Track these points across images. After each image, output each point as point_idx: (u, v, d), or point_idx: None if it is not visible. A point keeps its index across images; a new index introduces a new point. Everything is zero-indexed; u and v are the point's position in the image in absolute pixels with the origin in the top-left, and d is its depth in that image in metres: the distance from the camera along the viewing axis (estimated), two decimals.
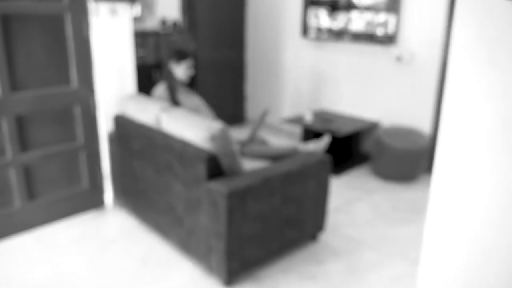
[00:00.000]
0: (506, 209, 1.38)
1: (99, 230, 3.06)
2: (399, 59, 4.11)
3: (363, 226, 3.18)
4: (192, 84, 3.19)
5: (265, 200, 2.43)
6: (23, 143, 2.88)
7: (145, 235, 2.99)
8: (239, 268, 2.43)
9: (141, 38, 4.28)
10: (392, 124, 4.30)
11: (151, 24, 4.71)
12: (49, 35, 2.87)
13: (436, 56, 3.88)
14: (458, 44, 1.39)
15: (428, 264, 1.62)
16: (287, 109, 5.27)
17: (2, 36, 2.65)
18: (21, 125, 2.85)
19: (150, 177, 2.80)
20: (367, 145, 4.53)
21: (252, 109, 5.70)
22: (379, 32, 4.14)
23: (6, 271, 2.59)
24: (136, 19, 4.39)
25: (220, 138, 2.35)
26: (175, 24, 4.78)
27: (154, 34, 4.46)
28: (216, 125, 2.39)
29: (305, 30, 4.74)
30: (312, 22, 4.66)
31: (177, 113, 2.67)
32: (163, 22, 4.75)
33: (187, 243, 2.59)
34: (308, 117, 4.31)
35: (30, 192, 2.98)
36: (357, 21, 4.29)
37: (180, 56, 3.06)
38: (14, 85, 2.77)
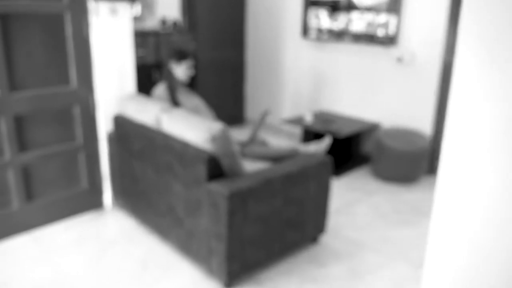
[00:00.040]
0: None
1: (98, 231, 3.04)
2: (399, 60, 4.10)
3: (364, 228, 3.16)
4: (192, 84, 3.17)
5: (266, 201, 2.41)
6: (22, 143, 2.86)
7: (145, 237, 2.97)
8: (240, 270, 2.41)
9: (141, 38, 4.26)
10: (392, 125, 4.28)
11: (151, 24, 4.69)
12: (49, 35, 2.85)
13: (437, 57, 3.87)
14: (464, 46, 1.38)
15: (432, 266, 1.60)
16: (287, 110, 5.25)
17: (1, 35, 2.63)
18: (20, 125, 2.83)
19: (149, 178, 2.78)
20: (367, 146, 4.52)
21: (252, 110, 5.68)
22: (380, 33, 4.13)
23: (5, 272, 2.56)
24: (136, 19, 4.37)
25: (220, 139, 2.33)
26: (175, 24, 4.76)
27: (154, 34, 4.43)
28: (216, 126, 2.37)
29: (305, 30, 4.72)
30: (313, 22, 4.65)
31: (177, 113, 2.65)
32: (163, 22, 4.73)
33: (187, 244, 2.56)
34: (308, 118, 4.29)
35: (29, 193, 2.96)
36: (357, 22, 4.28)
37: (180, 56, 3.05)
38: (13, 85, 2.75)
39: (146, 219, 2.94)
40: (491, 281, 1.45)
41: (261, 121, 3.27)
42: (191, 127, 2.47)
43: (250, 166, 2.74)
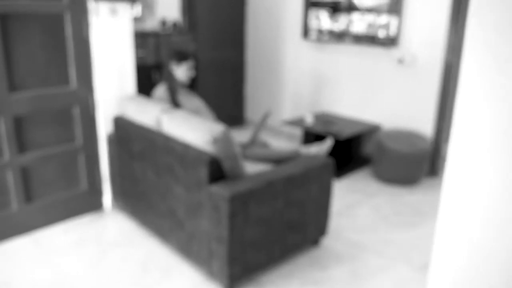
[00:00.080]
0: None
1: (98, 233, 3.02)
2: (400, 61, 4.09)
3: (366, 230, 3.14)
4: (193, 85, 3.15)
5: (268, 204, 2.39)
6: (21, 144, 2.84)
7: (145, 239, 2.94)
8: (241, 273, 2.39)
9: (141, 38, 4.24)
10: (393, 126, 4.27)
11: (151, 24, 4.67)
12: (49, 35, 2.83)
13: (438, 58, 3.85)
14: (470, 49, 1.37)
15: (438, 266, 1.59)
16: (288, 111, 5.23)
17: (1, 35, 2.61)
18: (19, 125, 2.80)
19: (150, 180, 2.76)
20: (368, 148, 4.50)
21: (252, 111, 5.66)
22: (381, 34, 4.11)
23: (4, 274, 2.54)
24: (136, 20, 4.35)
25: (222, 141, 2.31)
26: (175, 25, 4.74)
27: (154, 35, 4.41)
28: (218, 128, 2.35)
29: (305, 31, 4.71)
30: (313, 23, 4.63)
31: (178, 115, 2.63)
32: (163, 23, 4.71)
33: (188, 247, 2.54)
34: (309, 120, 4.27)
35: (28, 194, 2.93)
36: (358, 23, 4.26)
37: (181, 57, 3.03)
38: (13, 85, 2.73)
39: (146, 221, 2.92)
40: (501, 282, 1.44)
41: (262, 123, 3.25)
42: (192, 128, 2.45)
43: (251, 168, 2.72)
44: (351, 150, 4.38)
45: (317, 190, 2.66)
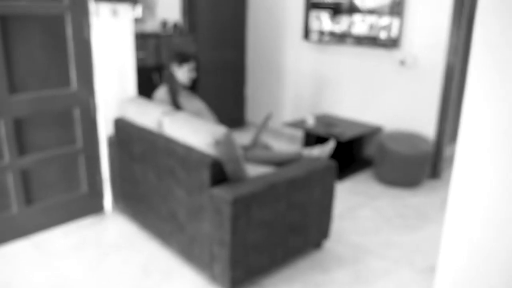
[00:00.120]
0: None
1: (99, 236, 2.99)
2: (402, 62, 4.07)
3: (368, 232, 3.12)
4: (194, 87, 3.13)
5: (270, 206, 2.37)
6: (21, 147, 2.81)
7: (146, 242, 2.92)
8: (243, 276, 2.36)
9: (141, 39, 4.22)
10: (395, 128, 4.25)
11: (152, 25, 4.65)
12: (49, 36, 2.81)
13: (440, 60, 3.84)
14: (478, 51, 1.35)
15: (445, 269, 1.57)
16: (288, 113, 5.21)
17: (1, 37, 2.59)
18: (19, 128, 2.78)
19: (151, 182, 2.73)
20: (369, 150, 4.48)
21: (252, 113, 5.64)
22: (382, 35, 4.10)
23: (4, 278, 2.52)
24: (137, 21, 4.33)
25: (224, 143, 2.29)
26: (175, 26, 4.73)
27: (155, 36, 4.39)
28: (220, 130, 2.33)
29: (306, 32, 4.69)
30: (314, 25, 4.61)
31: (180, 117, 2.61)
32: (164, 24, 4.69)
33: (189, 250, 2.52)
34: (310, 121, 4.25)
35: (28, 197, 2.91)
36: (360, 24, 4.24)
37: (182, 58, 3.01)
38: (13, 87, 2.70)
39: (147, 224, 2.89)
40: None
41: (264, 125, 3.24)
42: (193, 131, 2.43)
43: (253, 170, 2.70)
44: (353, 152, 4.37)
45: (319, 192, 2.64)
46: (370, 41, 4.20)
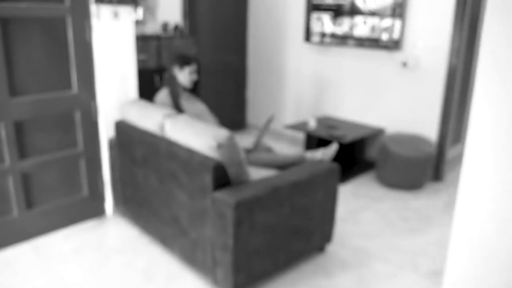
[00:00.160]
0: None
1: (100, 240, 2.97)
2: (404, 64, 4.05)
3: (371, 236, 3.10)
4: (195, 89, 3.11)
5: (273, 210, 2.35)
6: (22, 150, 2.79)
7: (147, 246, 2.90)
8: (246, 281, 2.34)
9: (142, 42, 4.20)
10: (397, 130, 4.23)
11: (153, 27, 4.63)
12: (50, 39, 2.79)
13: (442, 61, 3.82)
14: (485, 54, 1.34)
15: (453, 273, 1.55)
16: (289, 115, 5.19)
17: (1, 39, 2.57)
18: (20, 131, 2.76)
19: (152, 186, 2.71)
20: (371, 152, 4.46)
21: (253, 115, 5.62)
22: (384, 37, 4.08)
23: (4, 282, 2.49)
24: (138, 23, 4.31)
25: (227, 146, 2.27)
26: (176, 28, 4.71)
27: (156, 38, 4.38)
28: (223, 133, 2.31)
29: (308, 34, 4.67)
30: (315, 26, 4.60)
31: (181, 119, 2.59)
32: (165, 26, 4.68)
33: (192, 255, 2.50)
34: (312, 124, 4.23)
35: (29, 200, 2.89)
36: (361, 26, 4.23)
37: (183, 61, 2.99)
38: (13, 90, 2.68)
39: (148, 228, 2.87)
40: None
41: (266, 127, 3.21)
42: (196, 133, 2.40)
43: (256, 173, 2.68)
44: (355, 154, 4.34)
45: (322, 196, 2.62)
46: (371, 43, 4.18)
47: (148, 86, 4.05)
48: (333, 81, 4.68)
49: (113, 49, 3.07)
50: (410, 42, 3.99)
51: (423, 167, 3.84)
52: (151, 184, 2.72)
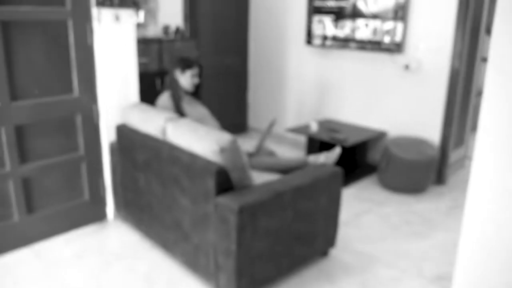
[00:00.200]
0: None
1: (101, 244, 2.95)
2: (406, 67, 4.04)
3: (374, 240, 3.07)
4: (197, 93, 3.10)
5: (276, 215, 2.33)
6: (23, 154, 2.77)
7: (149, 251, 2.88)
8: (249, 286, 2.32)
9: (144, 45, 4.19)
10: (399, 133, 4.21)
11: (154, 30, 4.62)
12: (51, 42, 2.77)
13: (444, 64, 3.80)
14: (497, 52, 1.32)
15: (462, 277, 1.53)
16: (291, 118, 5.18)
17: (2, 43, 2.55)
18: (20, 135, 2.74)
19: (154, 190, 2.69)
20: (373, 155, 4.44)
21: (254, 118, 5.60)
22: (386, 40, 4.07)
23: (5, 287, 2.48)
24: (139, 26, 4.30)
25: (230, 151, 2.25)
26: (177, 31, 4.70)
27: (157, 41, 4.36)
28: (225, 137, 2.29)
29: (309, 37, 4.66)
30: (317, 29, 4.58)
31: (184, 123, 2.57)
32: (166, 29, 4.66)
33: (194, 260, 2.48)
34: (314, 127, 4.21)
35: (29, 205, 2.87)
36: (363, 29, 4.21)
37: (185, 64, 2.98)
38: (14, 94, 2.67)
39: (150, 233, 2.85)
40: None
41: (268, 131, 3.19)
42: (198, 137, 2.38)
43: (258, 177, 2.66)
44: (357, 158, 4.32)
45: (325, 200, 2.60)
46: (373, 45, 4.16)
47: (149, 90, 4.03)
48: (335, 84, 4.66)
49: (114, 53, 3.05)
50: (412, 45, 3.97)
51: (426, 170, 3.82)
52: (152, 188, 2.70)
